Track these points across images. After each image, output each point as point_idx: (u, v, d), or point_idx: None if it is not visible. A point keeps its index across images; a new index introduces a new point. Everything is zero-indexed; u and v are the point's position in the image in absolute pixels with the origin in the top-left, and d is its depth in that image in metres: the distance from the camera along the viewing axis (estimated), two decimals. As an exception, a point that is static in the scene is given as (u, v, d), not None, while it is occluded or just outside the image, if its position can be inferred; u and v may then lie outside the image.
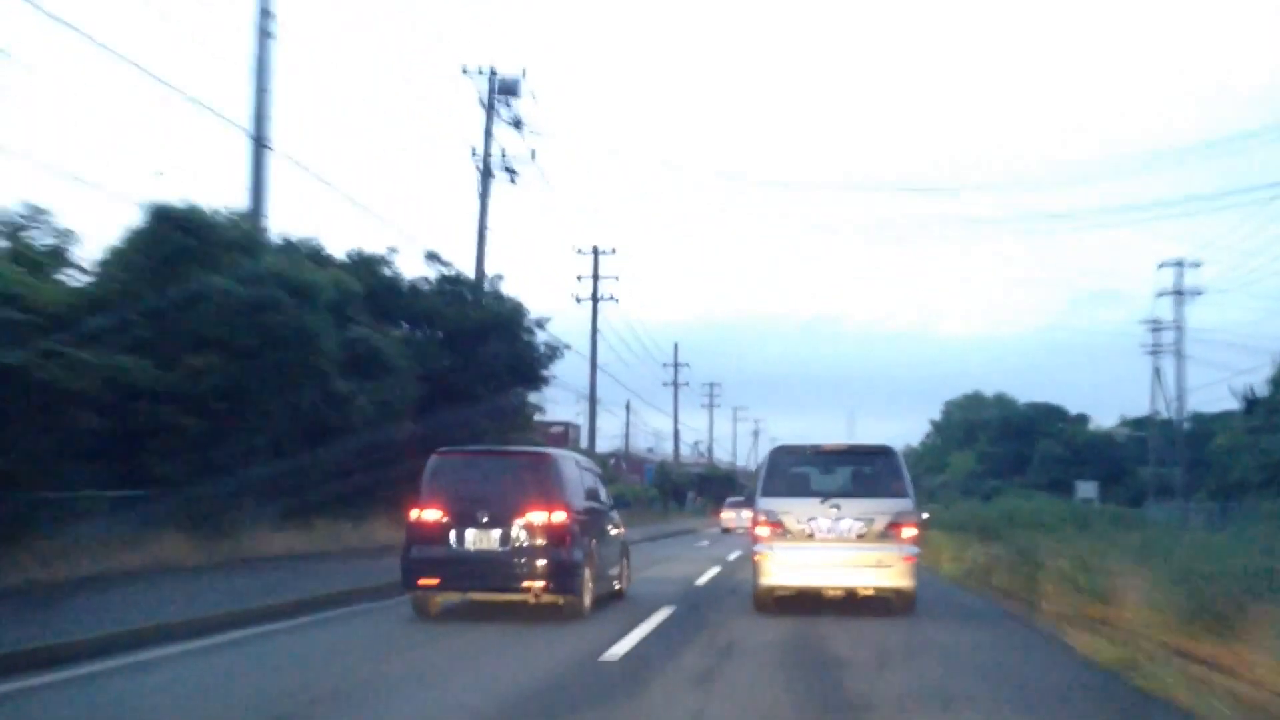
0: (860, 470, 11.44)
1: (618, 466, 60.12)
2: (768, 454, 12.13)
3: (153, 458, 14.32)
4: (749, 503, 11.72)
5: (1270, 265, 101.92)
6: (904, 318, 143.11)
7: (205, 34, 37.04)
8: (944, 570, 17.67)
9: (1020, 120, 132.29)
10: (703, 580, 15.77)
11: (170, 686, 7.18)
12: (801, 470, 11.63)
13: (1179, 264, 44.80)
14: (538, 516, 10.18)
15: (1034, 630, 10.24)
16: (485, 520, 10.21)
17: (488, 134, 27.54)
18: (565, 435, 52.85)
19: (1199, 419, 50.32)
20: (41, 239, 14.16)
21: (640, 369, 59.04)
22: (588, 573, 10.59)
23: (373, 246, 23.35)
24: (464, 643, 9.16)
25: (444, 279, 24.38)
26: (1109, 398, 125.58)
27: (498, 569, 10.13)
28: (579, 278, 39.79)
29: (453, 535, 10.23)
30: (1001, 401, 77.52)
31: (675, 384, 60.11)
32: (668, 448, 67.18)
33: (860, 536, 10.71)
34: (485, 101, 27.36)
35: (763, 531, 10.96)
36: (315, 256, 19.97)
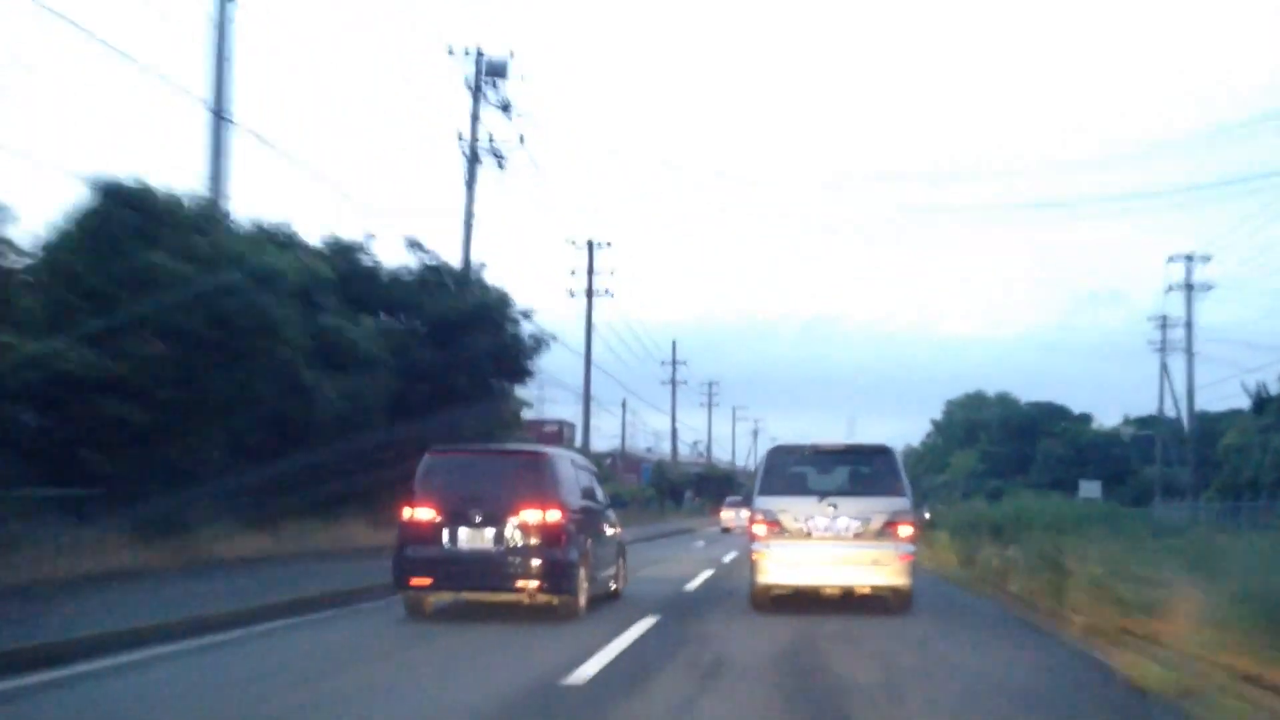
0: (858, 469, 11.51)
1: (614, 466, 59.31)
2: (765, 453, 12.19)
3: (93, 454, 13.17)
4: (748, 502, 11.48)
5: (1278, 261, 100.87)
6: (904, 317, 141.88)
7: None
8: (953, 575, 16.54)
9: (1020, 120, 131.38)
10: (693, 585, 14.72)
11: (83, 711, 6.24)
12: (799, 469, 11.64)
13: (1189, 258, 43.75)
14: (532, 515, 10.01)
15: (1061, 645, 9.05)
16: (479, 519, 10.02)
17: (474, 117, 26.42)
18: (559, 434, 51.75)
19: (1204, 417, 49.32)
20: None
21: (638, 368, 58.41)
22: (583, 573, 10.46)
23: (354, 235, 22.25)
24: (444, 647, 8.42)
25: (427, 268, 23.23)
26: (1112, 397, 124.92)
27: (491, 569, 9.97)
28: (573, 271, 38.95)
29: (446, 534, 10.04)
30: (1003, 401, 77.04)
31: (673, 382, 59.42)
32: (666, 447, 66.33)
33: (857, 535, 10.74)
34: (472, 84, 26.33)
35: (760, 530, 10.95)
36: (288, 242, 18.82)
